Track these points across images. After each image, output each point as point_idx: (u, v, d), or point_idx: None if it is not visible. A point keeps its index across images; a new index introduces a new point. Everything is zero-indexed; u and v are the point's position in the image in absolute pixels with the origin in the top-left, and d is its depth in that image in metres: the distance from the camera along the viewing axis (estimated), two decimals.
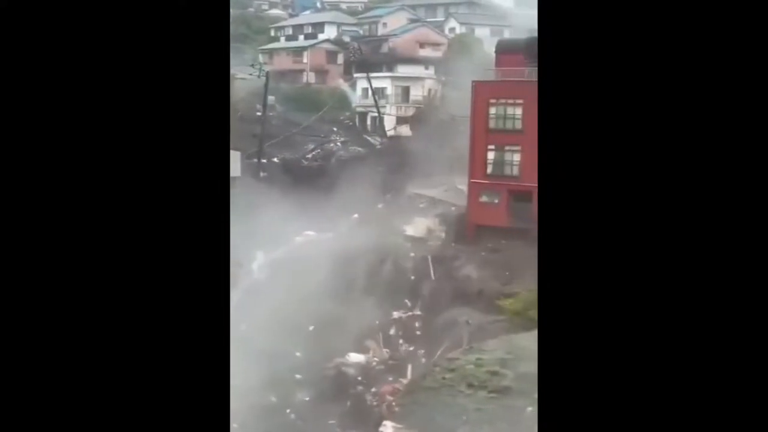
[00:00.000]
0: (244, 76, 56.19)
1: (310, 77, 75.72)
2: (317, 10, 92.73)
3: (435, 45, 74.37)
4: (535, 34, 53.27)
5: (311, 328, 35.15)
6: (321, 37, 79.03)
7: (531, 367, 2.64)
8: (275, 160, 54.88)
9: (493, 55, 50.12)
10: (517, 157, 45.84)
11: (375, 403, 28.03)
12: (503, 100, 46.35)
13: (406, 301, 38.83)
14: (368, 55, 72.98)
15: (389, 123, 64.18)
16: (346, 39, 78.72)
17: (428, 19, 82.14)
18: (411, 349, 33.97)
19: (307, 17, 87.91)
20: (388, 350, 34.55)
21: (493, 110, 46.61)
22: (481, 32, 76.85)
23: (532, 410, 2.58)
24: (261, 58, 74.53)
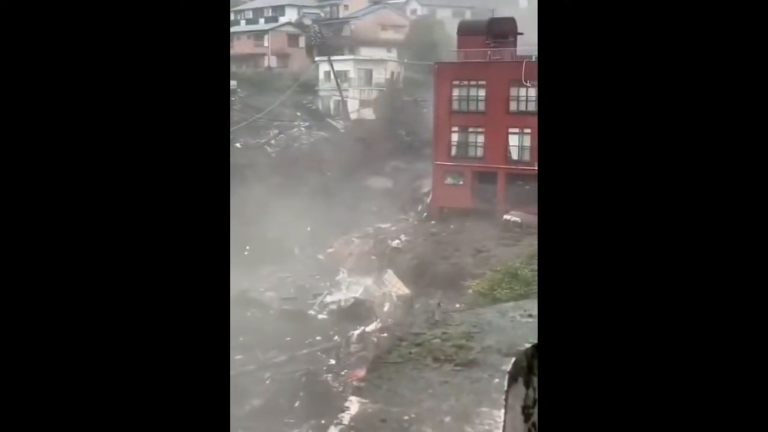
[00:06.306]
0: None
1: (271, 61, 75.03)
2: None
3: (397, 27, 74.15)
4: (496, 14, 53.48)
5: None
6: (282, 20, 78.27)
7: (496, 339, 2.63)
8: (237, 145, 54.35)
9: (455, 36, 50.05)
10: (480, 139, 45.96)
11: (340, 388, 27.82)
12: (466, 82, 46.39)
13: None
14: (330, 38, 72.48)
15: (352, 106, 63.93)
16: (308, 22, 78.06)
17: (389, 1, 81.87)
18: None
19: (267, 0, 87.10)
20: None
21: (456, 92, 46.64)
22: (443, 14, 76.76)
23: (498, 381, 2.57)
24: None
